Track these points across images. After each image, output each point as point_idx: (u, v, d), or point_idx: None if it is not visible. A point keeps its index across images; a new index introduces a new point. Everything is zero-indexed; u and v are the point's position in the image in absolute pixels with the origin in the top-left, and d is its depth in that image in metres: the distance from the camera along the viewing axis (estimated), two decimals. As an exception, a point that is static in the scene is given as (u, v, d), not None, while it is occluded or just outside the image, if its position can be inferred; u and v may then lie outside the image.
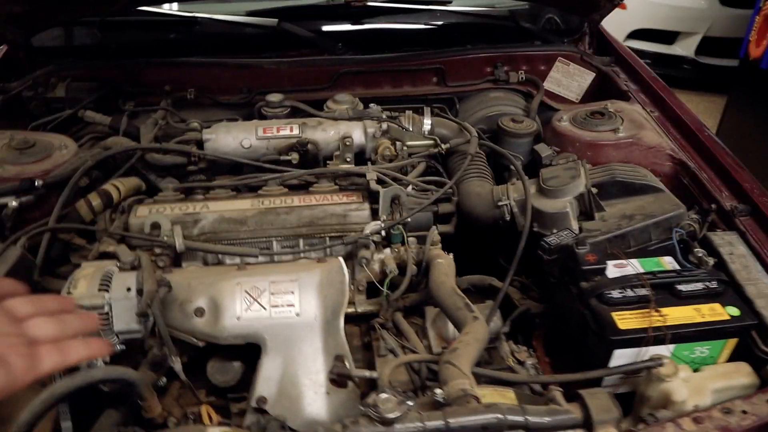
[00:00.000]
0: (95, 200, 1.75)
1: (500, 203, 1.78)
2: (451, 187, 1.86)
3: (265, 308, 1.55)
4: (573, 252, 1.52)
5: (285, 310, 1.55)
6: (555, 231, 1.63)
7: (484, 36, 2.44)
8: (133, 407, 1.47)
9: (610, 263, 1.54)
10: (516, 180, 1.84)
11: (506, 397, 1.36)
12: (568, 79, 2.34)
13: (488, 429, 1.20)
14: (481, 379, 1.43)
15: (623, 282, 1.47)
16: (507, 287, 1.67)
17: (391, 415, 1.19)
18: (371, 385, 1.54)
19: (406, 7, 2.38)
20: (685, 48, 6.17)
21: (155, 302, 1.50)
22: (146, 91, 2.18)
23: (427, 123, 2.05)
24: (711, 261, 1.55)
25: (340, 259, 1.71)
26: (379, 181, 1.80)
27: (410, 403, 1.21)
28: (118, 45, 2.31)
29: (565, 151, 1.94)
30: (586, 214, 1.73)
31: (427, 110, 2.08)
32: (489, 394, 1.35)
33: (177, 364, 1.55)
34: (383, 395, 1.21)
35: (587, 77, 2.34)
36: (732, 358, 1.47)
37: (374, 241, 1.75)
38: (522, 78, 2.35)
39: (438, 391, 1.32)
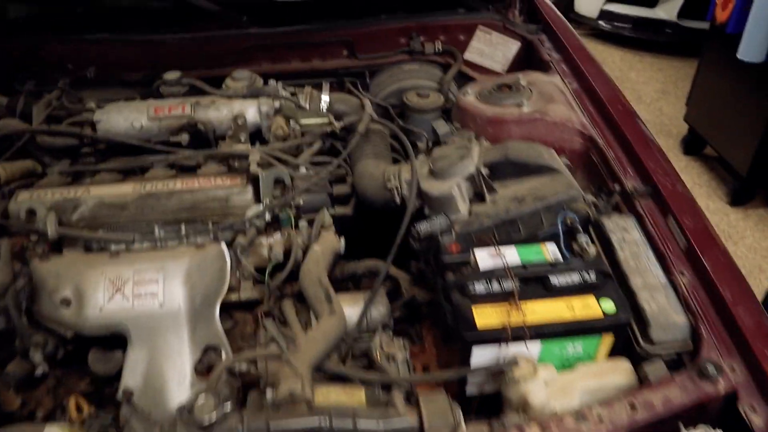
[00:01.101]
0: (-28, 186, 1.72)
1: (389, 185, 1.70)
2: (341, 166, 1.78)
3: (128, 298, 1.52)
4: (437, 241, 1.44)
5: (148, 300, 1.51)
6: (431, 216, 1.54)
7: (402, 4, 2.31)
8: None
9: (485, 252, 1.46)
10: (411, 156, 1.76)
11: (354, 397, 1.30)
12: (491, 48, 2.22)
13: (314, 435, 1.16)
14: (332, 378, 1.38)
15: (490, 274, 1.39)
16: (389, 273, 1.61)
17: (207, 420, 1.14)
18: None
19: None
20: (667, 11, 5.94)
21: (9, 294, 1.47)
22: (47, 70, 2.12)
23: (324, 99, 1.96)
24: (593, 249, 1.45)
25: (221, 244, 1.66)
26: (267, 164, 1.74)
27: (228, 406, 1.17)
28: (18, 19, 2.24)
29: (466, 128, 1.84)
30: (479, 196, 1.65)
31: (325, 85, 1.99)
32: (335, 394, 1.29)
33: (37, 357, 1.52)
34: (200, 398, 1.17)
35: (512, 47, 2.22)
36: (616, 353, 1.38)
37: (258, 226, 1.69)
38: (439, 49, 2.23)
39: (268, 392, 1.28)
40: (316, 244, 1.64)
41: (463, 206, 1.61)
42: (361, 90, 2.13)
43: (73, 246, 1.68)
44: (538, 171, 1.66)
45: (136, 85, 2.13)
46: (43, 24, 2.22)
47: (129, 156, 1.92)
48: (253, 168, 1.69)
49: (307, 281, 1.53)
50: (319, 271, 1.55)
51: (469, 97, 1.90)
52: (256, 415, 1.19)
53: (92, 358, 1.57)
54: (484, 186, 1.62)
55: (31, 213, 1.68)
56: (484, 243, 1.49)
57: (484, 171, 1.63)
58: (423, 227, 1.50)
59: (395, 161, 1.88)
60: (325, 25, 2.22)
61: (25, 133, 1.87)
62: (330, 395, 1.30)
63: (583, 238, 1.46)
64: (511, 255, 1.45)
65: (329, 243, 1.67)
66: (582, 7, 6.27)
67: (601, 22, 6.25)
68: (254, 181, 1.73)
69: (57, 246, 1.67)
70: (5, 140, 1.89)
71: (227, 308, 1.63)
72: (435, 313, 1.64)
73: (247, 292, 1.69)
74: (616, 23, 6.15)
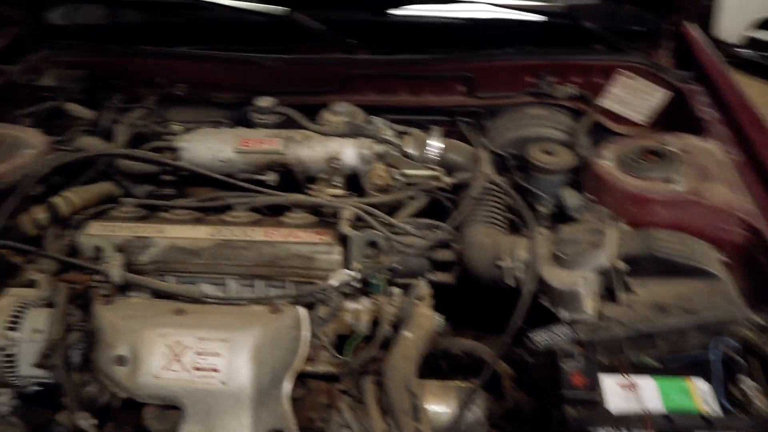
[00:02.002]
0: (40, 213, 1.57)
1: (500, 263, 1.42)
2: (448, 232, 1.52)
3: (187, 369, 1.32)
4: (556, 366, 1.15)
5: (208, 376, 1.31)
6: (548, 328, 1.25)
7: (531, 37, 2.00)
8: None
9: (615, 382, 1.16)
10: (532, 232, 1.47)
11: None
12: (633, 96, 1.87)
13: None
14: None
15: (620, 422, 1.08)
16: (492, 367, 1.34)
17: None
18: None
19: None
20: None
21: (57, 351, 1.31)
22: (136, 84, 1.96)
23: (435, 146, 1.69)
24: (763, 402, 1.11)
25: (300, 309, 1.44)
26: (360, 219, 1.50)
27: None
28: (115, 27, 2.10)
29: (602, 202, 1.53)
30: (611, 294, 1.34)
31: (437, 130, 1.72)
32: None
33: (83, 423, 1.36)
34: None
35: (657, 96, 1.86)
36: None
37: (346, 293, 1.47)
38: (572, 92, 1.91)
39: None
40: (408, 328, 1.39)
41: (590, 305, 1.31)
42: (476, 134, 1.84)
43: (140, 291, 1.52)
44: (688, 273, 1.33)
45: (226, 107, 1.94)
46: (135, 34, 2.06)
47: (210, 187, 1.74)
48: (345, 228, 1.45)
49: (392, 381, 1.29)
50: (408, 371, 1.30)
51: (607, 162, 1.58)
52: None
53: (148, 415, 1.39)
54: (619, 284, 1.32)
55: (99, 250, 1.52)
56: (611, 365, 1.19)
57: (621, 265, 1.33)
58: (541, 339, 1.21)
59: (512, 224, 1.59)
60: (442, 56, 1.95)
61: (102, 157, 1.71)
62: None
63: (748, 383, 1.13)
64: (650, 392, 1.14)
65: (424, 323, 1.42)
66: (722, 32, 5.59)
67: (745, 51, 5.55)
68: (344, 238, 1.50)
69: (123, 289, 1.52)
70: (84, 163, 1.74)
71: (301, 376, 1.42)
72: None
73: (324, 365, 1.48)
74: (764, 53, 5.47)
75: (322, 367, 1.47)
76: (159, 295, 1.51)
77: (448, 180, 1.62)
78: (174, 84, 1.94)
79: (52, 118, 1.95)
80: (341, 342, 1.51)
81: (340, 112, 1.75)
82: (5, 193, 1.60)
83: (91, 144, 1.76)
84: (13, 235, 1.56)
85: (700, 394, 1.13)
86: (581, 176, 1.63)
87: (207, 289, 1.55)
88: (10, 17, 2.05)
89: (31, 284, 1.48)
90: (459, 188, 1.64)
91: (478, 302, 1.56)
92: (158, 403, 1.34)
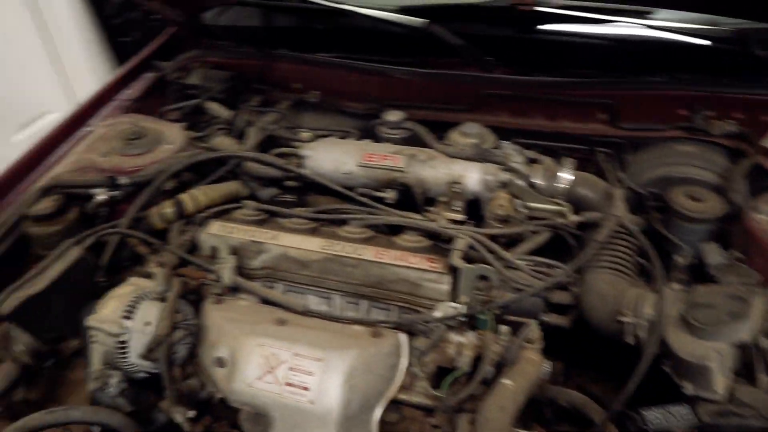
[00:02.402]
0: (168, 208, 1.64)
1: (622, 318, 1.29)
2: (567, 275, 1.40)
3: (279, 383, 1.32)
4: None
5: (298, 393, 1.30)
6: (665, 407, 1.11)
7: (688, 63, 1.80)
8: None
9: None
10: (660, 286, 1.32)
11: None
12: (807, 138, 1.63)
13: None
14: None
15: None
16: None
17: None
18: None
19: (590, 16, 1.80)
20: None
21: (162, 348, 1.35)
22: (274, 87, 2.00)
23: (565, 178, 1.57)
24: None
25: (400, 336, 1.39)
26: (473, 249, 1.42)
27: None
28: (261, 30, 2.14)
29: (751, 263, 1.34)
30: (748, 372, 1.17)
31: (567, 161, 1.59)
32: None
33: (179, 417, 1.40)
34: None
35: (839, 143, 1.61)
36: None
37: (450, 326, 1.40)
38: (731, 130, 1.69)
39: None
40: (510, 374, 1.29)
41: (721, 384, 1.14)
42: (615, 168, 1.69)
43: (248, 293, 1.54)
44: None
45: (357, 117, 1.93)
46: (279, 37, 2.10)
47: (330, 197, 1.73)
48: (455, 260, 1.38)
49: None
50: (503, 423, 1.21)
51: (764, 217, 1.38)
52: None
53: (244, 416, 1.41)
54: (761, 364, 1.14)
55: (215, 250, 1.56)
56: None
57: (766, 343, 1.15)
58: (654, 419, 1.07)
59: (641, 274, 1.44)
60: (584, 80, 1.81)
61: (231, 158, 1.76)
62: None
63: None
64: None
65: (529, 371, 1.31)
66: None
67: None
68: (455, 268, 1.42)
69: (232, 289, 1.55)
70: (214, 161, 1.80)
71: (395, 402, 1.38)
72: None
73: (419, 395, 1.41)
74: None
75: (416, 398, 1.41)
76: (266, 300, 1.53)
77: (574, 218, 1.49)
78: (309, 90, 1.96)
79: (194, 114, 2.04)
80: (441, 373, 1.44)
81: (470, 133, 1.67)
82: (141, 186, 1.70)
83: (225, 144, 1.81)
84: (141, 227, 1.65)
85: None
86: (730, 229, 1.44)
87: (312, 301, 1.56)
88: (172, 17, 2.16)
89: (149, 276, 1.55)
90: (586, 227, 1.51)
91: (593, 347, 1.43)
92: (249, 410, 1.35)
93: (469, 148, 1.65)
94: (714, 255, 1.35)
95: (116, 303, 1.45)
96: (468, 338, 1.42)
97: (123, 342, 1.41)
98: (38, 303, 1.50)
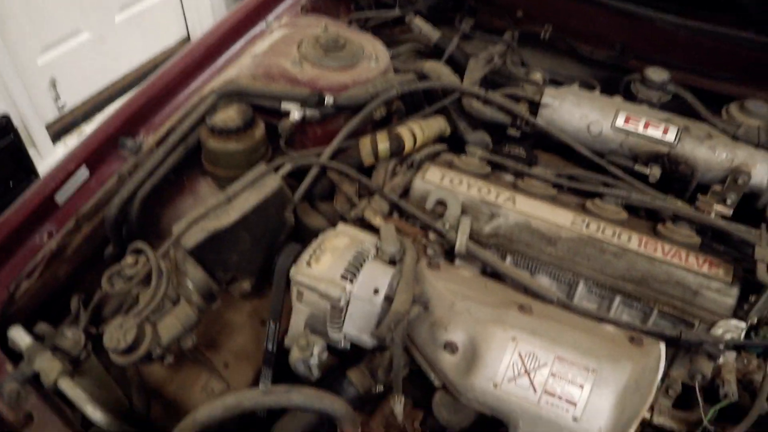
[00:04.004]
0: (383, 143, 1.37)
1: None
2: None
3: (536, 390, 1.09)
4: None
5: (560, 406, 1.08)
6: None
7: None
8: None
9: None
10: None
11: None
12: None
13: None
14: None
15: None
16: None
17: None
18: None
19: None
20: None
21: (400, 327, 1.11)
22: (493, 11, 1.67)
23: None
24: None
25: (662, 346, 1.15)
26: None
27: None
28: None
29: None
30: None
31: None
32: None
33: (398, 406, 1.17)
34: None
35: None
36: None
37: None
38: None
39: None
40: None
41: None
42: None
43: (468, 260, 1.29)
44: None
45: (595, 65, 1.61)
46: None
47: (564, 161, 1.45)
48: (762, 274, 1.11)
49: None
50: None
51: None
52: None
53: (439, 402, 1.21)
54: None
55: (441, 204, 1.30)
56: None
57: None
58: None
59: None
60: None
61: (456, 92, 1.46)
62: None
63: None
64: None
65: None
66: None
67: None
68: (745, 280, 1.16)
69: (450, 252, 1.30)
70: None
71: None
72: None
73: (665, 417, 1.19)
74: None
75: (661, 420, 1.20)
76: (488, 274, 1.28)
77: None
78: (538, 23, 1.63)
79: (384, 27, 1.74)
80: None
81: (756, 113, 1.37)
82: (347, 109, 1.42)
83: (441, 72, 1.51)
84: (348, 158, 1.38)
85: None
86: None
87: (545, 283, 1.31)
88: None
89: (363, 223, 1.30)
90: None
91: None
92: (485, 412, 1.14)
93: (756, 132, 1.35)
94: None
95: (332, 258, 1.20)
96: (728, 359, 1.19)
97: (340, 309, 1.17)
98: (224, 238, 1.26)
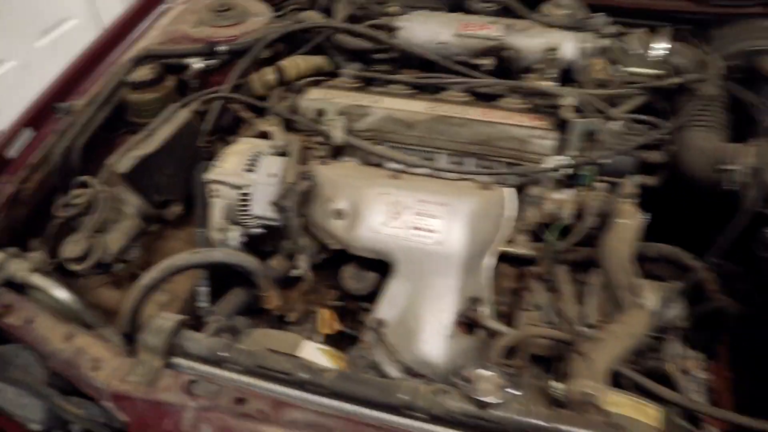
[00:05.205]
0: (269, 75, 1.68)
1: (724, 166, 1.38)
2: (669, 132, 1.48)
3: (404, 227, 1.40)
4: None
5: (425, 235, 1.39)
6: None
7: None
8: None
9: None
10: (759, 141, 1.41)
11: (646, 414, 1.07)
12: None
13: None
14: (623, 383, 1.15)
15: None
16: (702, 273, 1.32)
17: (486, 399, 0.98)
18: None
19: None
20: None
21: (290, 195, 1.42)
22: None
23: (659, 47, 1.63)
24: None
25: (508, 189, 1.47)
26: (578, 110, 1.49)
27: (514, 392, 0.99)
28: None
29: None
30: None
31: (664, 31, 1.65)
32: (625, 405, 1.07)
33: (303, 263, 1.48)
34: (483, 372, 1.00)
35: None
36: None
37: (555, 179, 1.48)
38: (818, 6, 1.76)
39: (557, 385, 1.08)
40: (621, 215, 1.38)
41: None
42: (700, 43, 1.75)
43: (352, 156, 1.60)
44: None
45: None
46: None
47: (424, 71, 1.78)
48: (567, 113, 1.45)
49: (611, 261, 1.30)
50: (625, 251, 1.30)
51: None
52: (542, 410, 1.00)
53: (347, 274, 1.52)
54: None
55: (320, 113, 1.61)
56: None
57: None
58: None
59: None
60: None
61: (325, 29, 1.79)
62: (620, 406, 1.08)
63: None
64: None
65: (634, 219, 1.40)
66: None
67: None
68: (561, 126, 1.49)
69: (336, 152, 1.60)
70: (304, 33, 1.83)
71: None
72: (754, 335, 1.33)
73: (523, 247, 1.51)
74: None
75: (520, 250, 1.50)
76: (369, 163, 1.59)
77: (675, 80, 1.56)
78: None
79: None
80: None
81: (563, 4, 1.72)
82: (239, 54, 1.73)
83: (313, 17, 1.84)
84: (243, 92, 1.69)
85: None
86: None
87: (416, 161, 1.62)
88: None
89: (261, 136, 1.60)
90: (683, 91, 1.58)
91: (675, 212, 1.52)
92: (371, 257, 1.43)
93: (564, 18, 1.70)
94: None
95: (236, 158, 1.51)
96: (568, 195, 1.51)
97: (246, 194, 1.48)
98: (151, 163, 1.56)
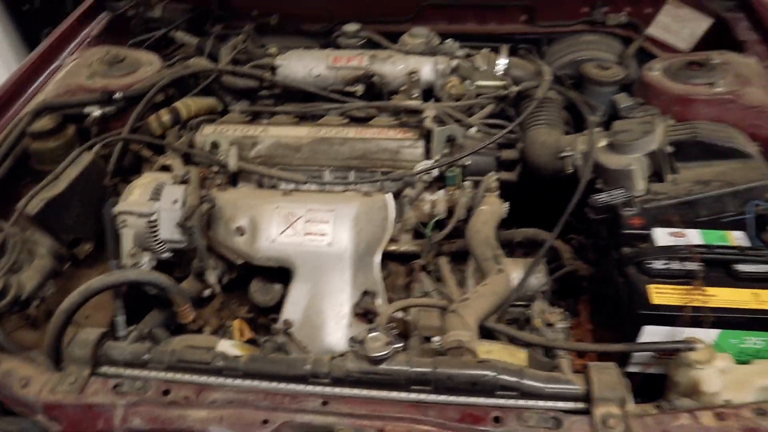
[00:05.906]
0: (165, 116, 1.84)
1: (563, 154, 1.66)
2: (513, 131, 1.75)
3: (299, 234, 1.58)
4: (617, 213, 1.39)
5: (317, 239, 1.57)
6: (607, 192, 1.49)
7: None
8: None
9: (664, 231, 1.40)
10: (588, 131, 1.70)
11: (516, 357, 1.29)
12: (678, 24, 2.08)
13: (478, 385, 1.15)
14: (496, 336, 1.38)
15: (670, 252, 1.33)
16: (553, 242, 1.57)
17: (377, 354, 1.17)
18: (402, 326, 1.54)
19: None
20: None
21: (195, 216, 1.58)
22: (234, 15, 2.23)
23: (501, 63, 1.93)
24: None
25: (387, 195, 1.69)
26: (440, 121, 1.74)
27: (398, 345, 1.19)
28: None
29: (650, 104, 1.75)
30: (657, 175, 1.57)
31: (503, 48, 1.95)
32: (497, 351, 1.29)
33: (212, 278, 1.63)
34: (372, 334, 1.20)
35: (702, 24, 2.07)
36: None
37: (426, 181, 1.71)
38: (622, 21, 2.13)
39: (435, 339, 1.29)
40: (484, 205, 1.63)
41: (640, 183, 1.54)
42: (536, 58, 2.08)
43: (247, 181, 1.78)
44: (728, 155, 1.55)
45: (315, 36, 2.20)
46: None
47: (304, 102, 1.99)
48: (428, 123, 1.69)
49: (476, 240, 1.53)
50: (488, 231, 1.54)
51: (655, 72, 1.80)
52: (424, 359, 1.20)
53: (254, 288, 1.66)
54: (666, 165, 1.54)
55: (215, 146, 1.78)
56: (663, 224, 1.43)
57: (668, 149, 1.55)
58: (602, 198, 1.45)
59: (567, 134, 1.83)
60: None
61: (212, 72, 1.98)
62: (492, 352, 1.30)
63: (777, 228, 1.36)
64: (694, 237, 1.38)
65: (495, 206, 1.65)
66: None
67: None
68: (426, 136, 1.74)
69: (233, 180, 1.78)
70: (193, 77, 2.01)
71: (383, 258, 1.66)
72: (600, 289, 1.60)
73: (407, 244, 1.72)
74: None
75: (404, 247, 1.72)
76: (261, 186, 1.76)
77: (515, 89, 1.85)
78: (268, 16, 2.21)
79: (159, 46, 2.23)
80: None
81: (418, 35, 2.00)
82: (134, 100, 1.88)
83: (201, 62, 2.03)
84: (143, 134, 1.84)
85: (737, 240, 1.37)
86: (630, 88, 1.86)
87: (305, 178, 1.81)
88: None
89: (164, 169, 1.76)
90: (524, 97, 1.87)
91: (532, 200, 1.77)
92: (273, 265, 1.59)
93: (420, 46, 1.98)
94: (624, 100, 1.76)
95: (141, 190, 1.64)
96: (439, 195, 1.75)
97: (153, 221, 1.62)
98: (59, 204, 1.66)
